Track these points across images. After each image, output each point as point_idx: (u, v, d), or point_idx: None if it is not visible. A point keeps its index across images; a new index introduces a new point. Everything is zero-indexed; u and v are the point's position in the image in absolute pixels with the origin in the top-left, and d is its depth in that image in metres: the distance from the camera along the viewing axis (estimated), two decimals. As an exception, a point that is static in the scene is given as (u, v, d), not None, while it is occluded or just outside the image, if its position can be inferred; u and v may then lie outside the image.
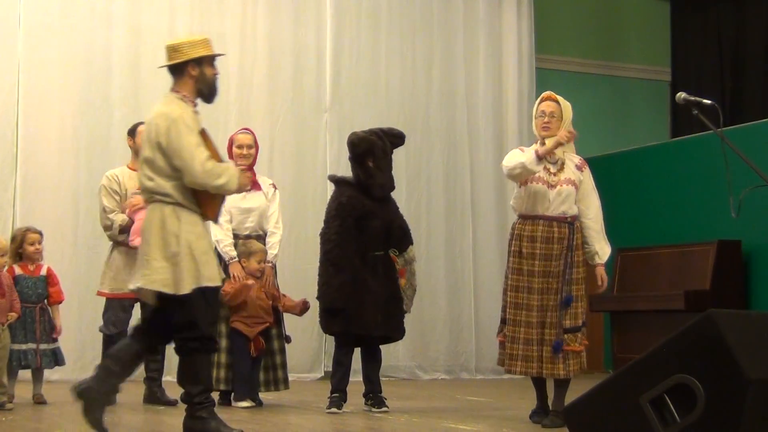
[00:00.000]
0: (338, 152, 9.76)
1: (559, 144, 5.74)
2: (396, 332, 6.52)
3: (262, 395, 6.83)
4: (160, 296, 4.80)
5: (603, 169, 9.07)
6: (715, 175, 9.32)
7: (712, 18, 12.05)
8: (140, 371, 7.37)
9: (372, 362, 6.54)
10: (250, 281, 6.65)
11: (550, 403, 5.86)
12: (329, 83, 10.26)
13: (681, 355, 3.86)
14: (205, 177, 4.76)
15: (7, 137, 8.99)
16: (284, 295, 6.89)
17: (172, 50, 4.95)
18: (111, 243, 6.93)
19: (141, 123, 7.15)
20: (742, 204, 4.96)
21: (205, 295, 4.79)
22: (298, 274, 8.89)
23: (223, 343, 6.54)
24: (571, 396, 4.72)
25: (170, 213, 4.79)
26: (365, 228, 6.35)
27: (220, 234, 6.74)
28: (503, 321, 5.86)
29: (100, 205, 6.93)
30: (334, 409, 6.31)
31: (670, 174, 10.60)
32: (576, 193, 5.82)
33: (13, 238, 6.84)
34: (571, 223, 5.79)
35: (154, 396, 6.81)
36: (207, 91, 5.01)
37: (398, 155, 8.13)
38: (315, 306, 6.68)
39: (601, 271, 5.88)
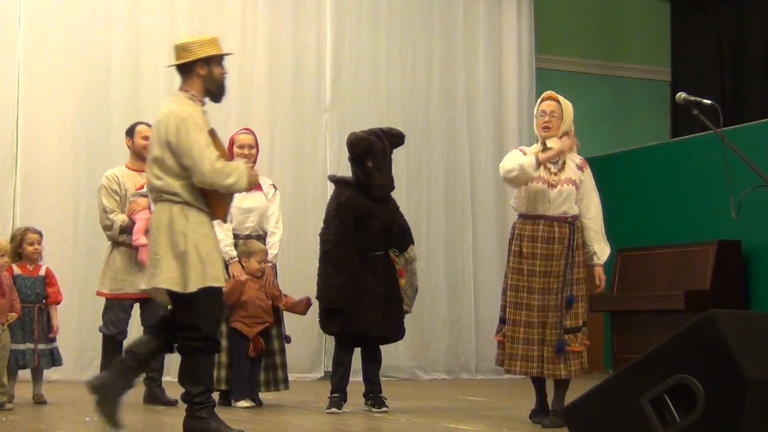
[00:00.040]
0: (338, 152, 9.76)
1: (561, 153, 5.73)
2: (396, 332, 6.52)
3: (262, 395, 6.84)
4: (170, 294, 4.81)
5: (603, 169, 9.07)
6: (715, 175, 9.33)
7: (712, 18, 12.05)
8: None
9: (372, 362, 6.54)
10: (244, 277, 6.64)
11: (549, 402, 5.86)
12: (329, 83, 10.26)
13: (681, 355, 3.86)
14: (215, 176, 4.77)
15: (7, 137, 8.99)
16: (286, 295, 6.89)
17: (180, 49, 4.94)
18: (110, 243, 6.93)
19: (139, 123, 7.17)
20: (742, 204, 4.96)
21: (210, 295, 4.79)
22: (298, 274, 8.89)
23: (223, 342, 6.53)
24: (571, 396, 4.72)
25: (178, 212, 4.80)
26: (365, 228, 6.35)
27: (221, 234, 6.72)
28: (502, 321, 5.86)
29: (99, 205, 6.93)
30: (334, 409, 6.31)
31: (670, 174, 10.60)
32: (576, 193, 5.82)
33: (13, 238, 6.84)
34: (572, 223, 5.79)
35: (154, 396, 6.81)
36: (215, 91, 5.00)
37: (398, 155, 8.13)
38: (315, 306, 6.68)
39: (600, 272, 5.87)
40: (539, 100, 5.92)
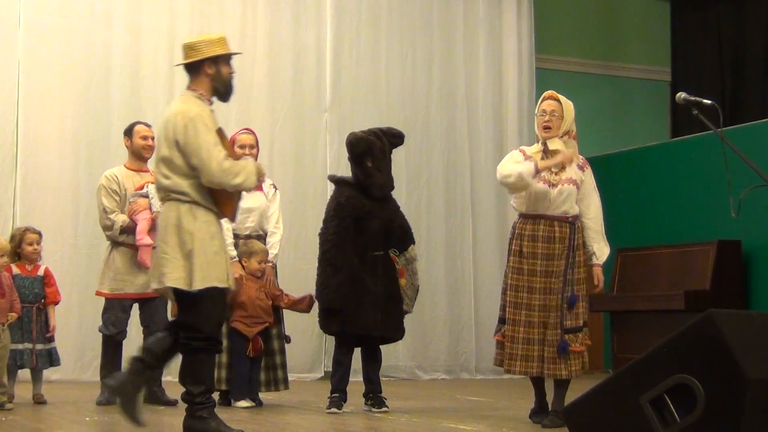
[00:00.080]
0: (338, 152, 9.76)
1: (560, 164, 5.71)
2: (395, 332, 6.51)
3: (262, 395, 6.84)
4: (175, 293, 4.82)
5: (603, 169, 9.07)
6: (715, 175, 9.33)
7: (712, 18, 12.05)
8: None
9: (372, 362, 6.54)
10: (238, 274, 6.63)
11: (549, 402, 5.86)
12: (329, 83, 10.26)
13: (681, 355, 3.86)
14: (223, 176, 4.77)
15: (7, 137, 8.99)
16: (287, 294, 6.88)
17: (188, 48, 4.94)
18: (109, 243, 6.92)
19: (137, 123, 7.17)
20: (742, 204, 4.96)
21: (213, 295, 4.79)
22: (298, 274, 8.89)
23: (223, 342, 6.53)
24: (571, 396, 4.72)
25: (186, 211, 4.80)
26: (364, 228, 6.35)
27: (221, 234, 6.74)
28: (501, 320, 5.85)
29: (99, 206, 6.92)
30: (334, 409, 6.31)
31: (670, 174, 10.60)
32: (577, 193, 5.81)
33: (12, 238, 6.84)
34: (572, 223, 5.78)
35: (154, 396, 6.81)
36: (223, 90, 5.01)
37: (398, 155, 8.13)
38: (315, 306, 6.68)
39: (598, 272, 5.85)
40: (540, 100, 5.92)
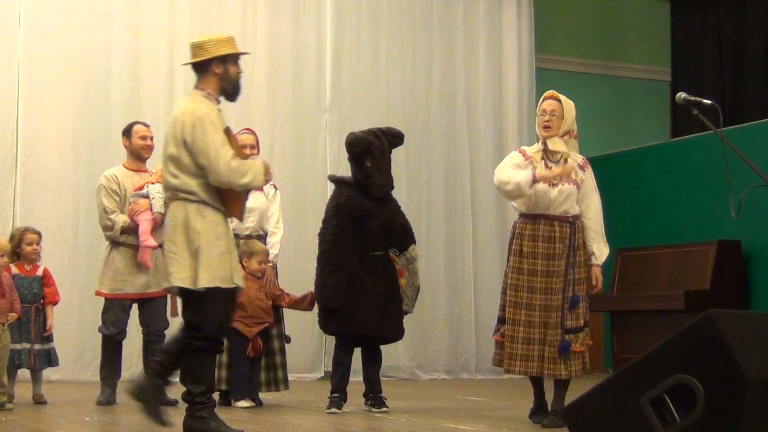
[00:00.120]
0: (338, 152, 9.75)
1: (559, 177, 5.70)
2: (395, 332, 6.51)
3: (262, 395, 6.84)
4: (181, 291, 4.83)
5: (603, 169, 9.07)
6: (715, 175, 9.33)
7: (712, 18, 12.05)
8: (140, 371, 7.40)
9: (372, 362, 6.54)
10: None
11: (548, 401, 5.86)
12: (329, 83, 10.26)
13: (681, 355, 3.86)
14: (230, 176, 4.77)
15: (7, 137, 8.99)
16: (288, 294, 6.88)
17: (196, 48, 4.95)
18: (109, 243, 6.91)
19: (136, 123, 7.17)
20: (742, 204, 4.96)
21: (217, 295, 4.79)
22: (298, 274, 8.89)
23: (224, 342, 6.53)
24: (571, 396, 4.72)
25: (194, 211, 4.81)
26: (363, 228, 6.35)
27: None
28: (501, 320, 5.85)
29: (99, 206, 6.92)
30: (334, 409, 6.31)
31: (670, 174, 10.60)
32: (578, 193, 5.80)
33: (12, 237, 6.83)
34: (573, 223, 5.78)
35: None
36: (231, 90, 5.01)
37: (398, 155, 8.13)
38: (315, 306, 6.68)
39: (597, 272, 5.84)
40: (541, 99, 5.91)
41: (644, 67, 12.38)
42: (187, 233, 4.79)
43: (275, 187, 7.11)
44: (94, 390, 6.97)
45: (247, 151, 6.82)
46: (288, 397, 7.28)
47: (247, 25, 9.94)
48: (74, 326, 8.78)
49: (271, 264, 6.83)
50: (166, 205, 6.76)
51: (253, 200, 6.81)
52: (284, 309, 6.98)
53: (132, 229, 6.78)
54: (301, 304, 6.87)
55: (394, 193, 6.69)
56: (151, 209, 6.78)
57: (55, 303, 6.87)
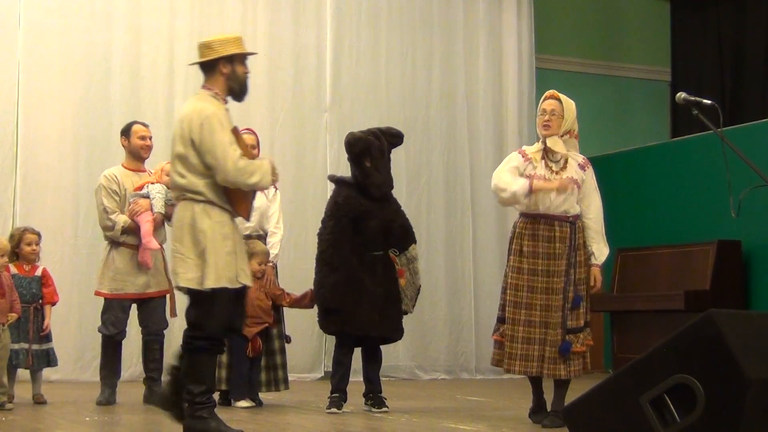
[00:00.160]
0: (338, 152, 9.75)
1: (555, 191, 5.69)
2: (394, 332, 6.51)
3: (262, 395, 6.83)
4: (188, 291, 4.84)
5: (603, 169, 9.06)
6: (715, 175, 9.33)
7: (712, 18, 12.05)
8: (140, 371, 7.41)
9: (372, 362, 6.54)
10: None
11: (546, 399, 5.86)
12: (329, 83, 10.26)
13: (681, 355, 3.86)
14: (238, 175, 4.78)
15: (7, 137, 8.99)
16: (288, 293, 6.88)
17: (204, 47, 4.96)
18: (108, 243, 6.91)
19: (134, 122, 7.16)
20: (742, 204, 4.96)
21: (221, 296, 4.80)
22: (298, 274, 8.88)
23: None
24: (571, 396, 4.72)
25: (200, 211, 4.82)
26: (362, 228, 6.35)
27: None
28: (500, 320, 5.84)
29: (99, 206, 6.91)
30: (334, 409, 6.31)
31: (670, 174, 10.60)
32: (578, 193, 5.80)
33: (11, 237, 6.83)
34: (573, 223, 5.77)
35: (155, 396, 6.80)
36: (238, 89, 5.02)
37: (398, 155, 8.13)
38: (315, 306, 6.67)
39: (596, 272, 5.82)
40: (542, 99, 5.91)
41: (644, 67, 12.39)
42: (193, 233, 4.80)
43: (275, 187, 7.10)
44: (94, 390, 6.97)
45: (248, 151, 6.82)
46: (288, 397, 7.28)
47: (247, 25, 9.93)
48: (74, 326, 8.78)
49: (271, 264, 6.83)
50: (167, 204, 6.82)
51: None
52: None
53: (132, 230, 6.77)
54: (302, 302, 6.86)
55: (394, 193, 6.69)
56: (151, 209, 6.78)
57: (53, 303, 6.87)
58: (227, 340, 6.42)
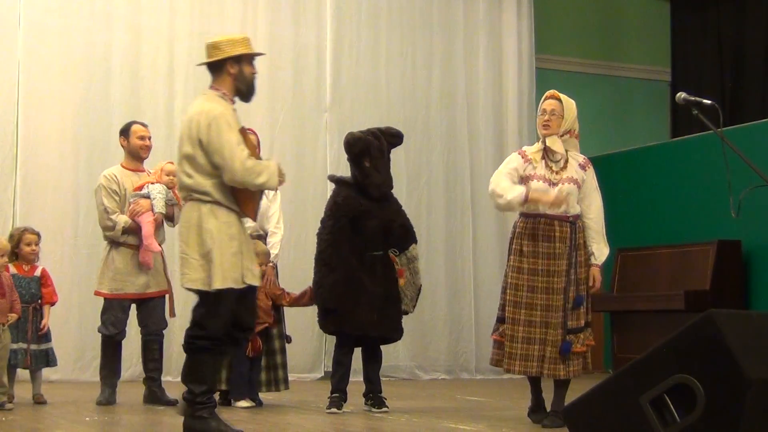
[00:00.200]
0: (338, 152, 9.74)
1: (549, 205, 5.69)
2: (393, 332, 6.50)
3: (262, 395, 6.83)
4: (196, 292, 4.85)
5: (603, 169, 9.06)
6: (715, 175, 9.32)
7: (712, 18, 12.05)
8: (140, 371, 7.41)
9: (372, 362, 6.54)
10: None
11: (545, 397, 5.85)
12: (329, 83, 10.26)
13: (681, 355, 3.86)
14: (245, 175, 4.79)
15: (7, 137, 8.99)
16: (288, 293, 6.88)
17: (211, 48, 4.97)
18: (107, 243, 6.90)
19: (134, 122, 7.16)
20: (742, 204, 4.96)
21: (228, 296, 4.81)
22: (298, 274, 8.88)
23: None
24: (571, 396, 4.72)
25: (207, 212, 4.83)
26: (362, 228, 6.35)
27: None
28: (500, 320, 5.84)
29: (99, 206, 6.91)
30: (334, 409, 6.31)
31: (670, 174, 10.60)
32: (578, 192, 5.80)
33: (11, 237, 6.83)
34: (573, 222, 5.77)
35: (154, 396, 6.81)
36: (245, 90, 5.03)
37: (398, 155, 8.13)
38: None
39: (596, 272, 5.81)
40: (542, 99, 5.91)
41: (644, 67, 12.39)
42: (199, 234, 4.81)
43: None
44: (94, 390, 6.97)
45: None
46: (288, 397, 7.28)
47: (247, 25, 9.93)
48: (74, 326, 8.78)
49: (271, 264, 6.83)
50: (167, 204, 6.82)
51: (254, 200, 6.81)
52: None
53: (133, 230, 6.77)
54: (301, 300, 6.86)
55: (394, 193, 6.69)
56: (152, 210, 6.78)
57: (52, 303, 6.87)
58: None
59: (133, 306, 6.92)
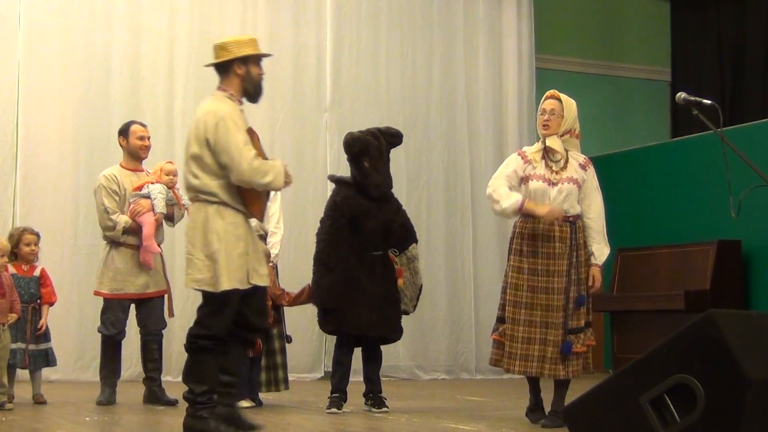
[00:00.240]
0: (338, 152, 9.73)
1: (544, 217, 5.69)
2: (392, 332, 6.50)
3: (262, 395, 6.83)
4: (201, 293, 4.87)
5: (603, 169, 9.06)
6: (715, 175, 9.33)
7: (712, 18, 12.06)
8: (140, 371, 7.41)
9: (372, 362, 6.54)
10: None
11: (543, 397, 5.85)
12: (329, 83, 10.26)
13: (681, 355, 3.86)
14: (252, 175, 4.80)
15: (7, 137, 8.99)
16: (288, 293, 6.88)
17: (219, 49, 5.00)
18: (107, 243, 6.90)
19: (133, 122, 7.15)
20: (742, 204, 4.96)
21: (233, 297, 4.82)
22: (298, 274, 8.86)
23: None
24: (571, 396, 4.72)
25: (214, 212, 4.85)
26: (361, 228, 6.35)
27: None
28: (500, 320, 5.84)
29: (99, 206, 6.90)
30: (334, 409, 6.31)
31: (670, 174, 10.60)
32: (578, 192, 5.80)
33: (10, 237, 6.83)
34: (573, 222, 5.77)
35: (154, 396, 6.81)
36: (253, 91, 5.05)
37: (398, 155, 8.12)
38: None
39: (596, 272, 5.80)
40: (542, 99, 5.91)
41: (644, 67, 12.39)
42: (206, 234, 4.82)
43: (276, 187, 7.09)
44: (94, 390, 6.97)
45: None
46: (288, 397, 7.27)
47: (247, 25, 9.93)
48: (74, 326, 8.78)
49: (271, 264, 6.83)
50: (167, 205, 6.82)
51: (254, 200, 6.80)
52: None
53: (134, 230, 6.77)
54: (300, 299, 6.86)
55: (394, 193, 6.68)
56: (153, 210, 6.78)
57: (51, 303, 6.86)
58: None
59: (132, 306, 6.91)
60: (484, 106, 10.96)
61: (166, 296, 6.93)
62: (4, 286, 6.39)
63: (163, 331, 6.97)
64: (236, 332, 4.97)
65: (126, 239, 6.80)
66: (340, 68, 10.32)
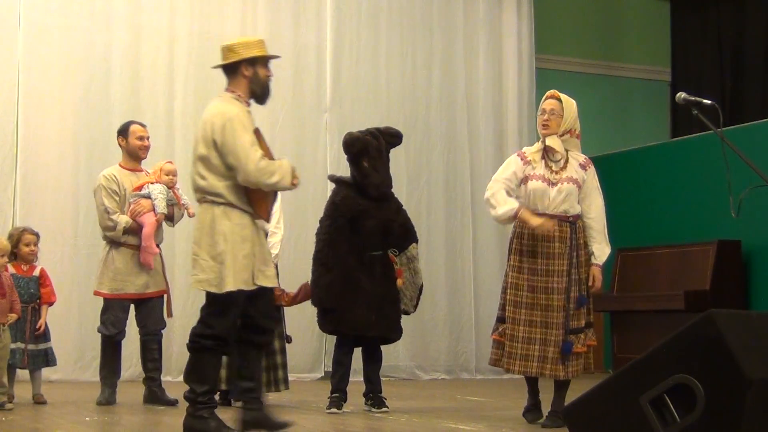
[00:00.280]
0: (338, 152, 9.70)
1: (537, 230, 5.68)
2: (392, 333, 6.50)
3: (262, 395, 6.83)
4: (207, 294, 4.87)
5: (603, 169, 9.05)
6: (715, 175, 9.33)
7: (712, 18, 12.06)
8: (139, 371, 7.41)
9: (372, 362, 6.54)
10: None
11: (543, 397, 5.85)
12: (329, 83, 10.26)
13: (681, 355, 3.86)
14: (259, 175, 4.81)
15: (7, 137, 8.99)
16: (288, 293, 6.88)
17: (226, 50, 5.02)
18: (107, 243, 6.90)
19: (132, 122, 7.15)
20: (742, 204, 4.96)
21: (237, 298, 4.83)
22: (298, 274, 8.84)
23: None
24: (571, 396, 4.72)
25: (220, 214, 4.85)
26: (360, 228, 6.35)
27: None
28: (500, 319, 5.84)
29: (99, 206, 6.90)
30: (334, 409, 6.31)
31: (670, 174, 10.60)
32: (579, 192, 5.80)
33: (10, 237, 6.82)
34: (573, 222, 5.77)
35: (154, 396, 6.81)
36: (260, 92, 5.08)
37: (398, 155, 8.12)
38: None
39: (596, 272, 5.80)
40: (542, 99, 5.91)
41: (644, 67, 12.39)
42: (212, 235, 4.83)
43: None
44: (94, 390, 6.97)
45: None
46: (288, 397, 7.27)
47: (247, 25, 9.94)
48: (74, 326, 8.78)
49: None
50: (168, 205, 6.82)
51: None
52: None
53: (134, 230, 6.77)
54: (298, 298, 6.86)
55: (395, 193, 6.68)
56: (154, 210, 6.77)
57: (50, 303, 6.86)
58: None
59: (132, 306, 6.91)
60: (484, 106, 10.96)
61: (165, 296, 6.92)
62: (4, 286, 6.39)
63: (163, 331, 6.97)
64: (244, 335, 4.97)
65: (126, 239, 6.80)
66: (340, 68, 10.31)
